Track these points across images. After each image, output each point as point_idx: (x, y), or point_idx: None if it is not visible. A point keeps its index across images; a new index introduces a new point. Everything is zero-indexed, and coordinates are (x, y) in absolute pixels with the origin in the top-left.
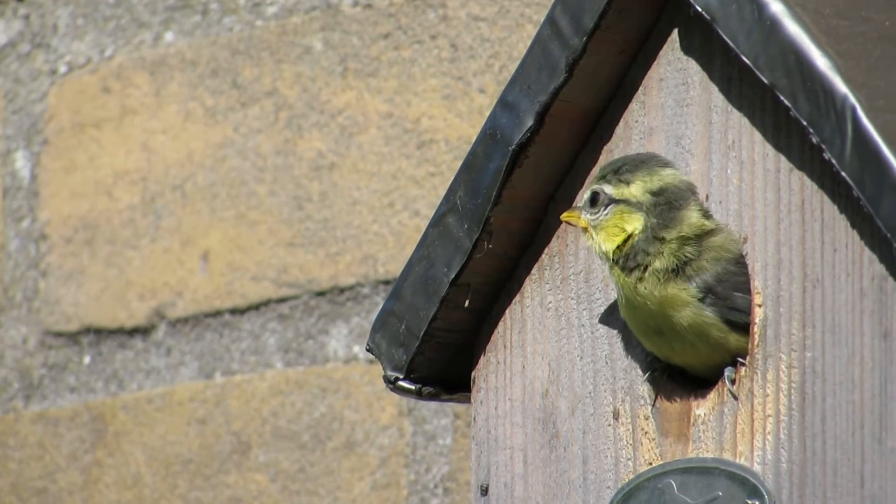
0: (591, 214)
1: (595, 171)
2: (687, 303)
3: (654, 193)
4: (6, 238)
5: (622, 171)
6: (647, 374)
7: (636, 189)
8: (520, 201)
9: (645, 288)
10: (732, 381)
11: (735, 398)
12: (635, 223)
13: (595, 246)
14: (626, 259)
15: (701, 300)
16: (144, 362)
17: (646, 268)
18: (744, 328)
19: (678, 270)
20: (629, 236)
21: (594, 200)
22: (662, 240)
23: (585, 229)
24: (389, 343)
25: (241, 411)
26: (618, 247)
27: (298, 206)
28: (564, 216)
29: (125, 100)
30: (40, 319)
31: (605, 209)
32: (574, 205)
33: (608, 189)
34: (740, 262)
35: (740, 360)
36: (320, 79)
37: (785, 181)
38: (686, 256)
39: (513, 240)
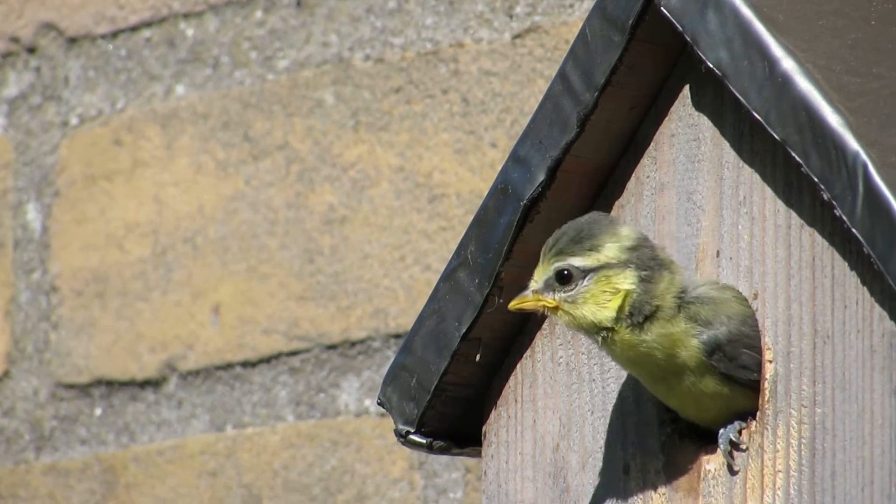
0: (563, 292)
1: (542, 250)
2: (692, 346)
3: (632, 249)
4: (17, 290)
5: (582, 241)
6: (663, 432)
7: (611, 251)
8: (531, 256)
9: (651, 333)
10: (731, 444)
11: (732, 460)
12: (628, 281)
13: (581, 320)
14: (632, 316)
15: (709, 355)
16: (156, 415)
17: (653, 316)
18: (749, 385)
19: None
20: (626, 294)
21: (565, 278)
22: (656, 289)
23: (556, 308)
24: (400, 397)
25: (252, 464)
26: (619, 308)
27: (309, 260)
28: (515, 305)
29: (136, 152)
30: (51, 371)
31: (582, 282)
32: (524, 292)
33: (577, 262)
34: (750, 321)
35: (741, 422)
36: (332, 132)
37: (796, 237)
38: (694, 312)
39: None
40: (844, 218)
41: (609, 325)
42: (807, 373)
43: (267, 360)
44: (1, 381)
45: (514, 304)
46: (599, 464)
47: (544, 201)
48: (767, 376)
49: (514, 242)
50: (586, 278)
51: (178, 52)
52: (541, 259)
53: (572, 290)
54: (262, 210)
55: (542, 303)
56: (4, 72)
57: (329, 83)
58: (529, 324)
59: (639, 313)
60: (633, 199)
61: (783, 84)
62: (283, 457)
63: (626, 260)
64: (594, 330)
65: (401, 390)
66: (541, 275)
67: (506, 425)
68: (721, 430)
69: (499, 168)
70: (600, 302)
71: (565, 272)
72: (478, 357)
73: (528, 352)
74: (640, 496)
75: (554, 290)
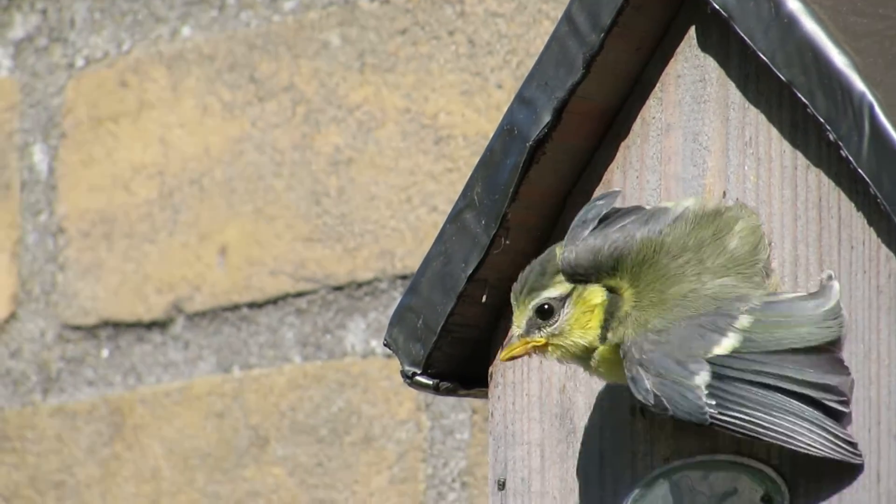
0: (548, 326)
1: (513, 299)
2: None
3: (588, 266)
4: (24, 232)
5: (546, 273)
6: None
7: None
8: (537, 197)
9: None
10: None
11: None
12: (599, 293)
13: (572, 348)
14: (607, 327)
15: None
16: (162, 356)
17: (626, 317)
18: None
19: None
20: (601, 306)
21: (546, 312)
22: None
23: (545, 345)
24: (407, 338)
25: (258, 405)
26: (601, 324)
27: (316, 202)
28: (505, 355)
29: (143, 94)
30: (58, 313)
31: (563, 310)
32: (507, 342)
33: (552, 293)
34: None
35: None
36: (338, 74)
37: (802, 178)
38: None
39: (530, 236)
40: (850, 158)
41: (598, 344)
42: None
43: (273, 302)
44: (8, 323)
45: (504, 356)
46: (606, 404)
47: (550, 142)
48: None
49: (520, 184)
50: (566, 305)
51: None
52: (514, 307)
53: (555, 321)
54: (269, 152)
55: (530, 344)
56: (10, 14)
57: (335, 24)
58: None
59: (615, 319)
60: (639, 140)
61: (789, 25)
62: (290, 398)
63: (587, 275)
64: (585, 355)
65: (407, 331)
66: (521, 319)
67: (512, 366)
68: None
69: (505, 109)
70: (583, 324)
71: (545, 306)
72: (484, 298)
73: None
74: (647, 436)
75: (539, 329)
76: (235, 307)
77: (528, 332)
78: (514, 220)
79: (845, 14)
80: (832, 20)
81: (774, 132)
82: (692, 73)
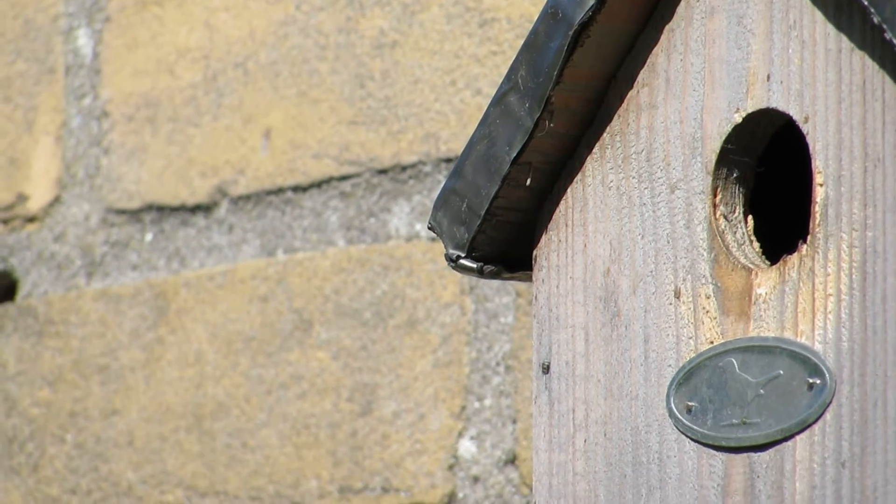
0: None
1: None
2: None
3: None
4: (68, 116)
5: None
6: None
7: None
8: (581, 80)
9: None
10: None
11: None
12: None
13: None
14: None
15: None
16: (206, 240)
17: None
18: None
19: None
20: None
21: None
22: None
23: None
24: (451, 221)
25: (302, 289)
26: None
27: (360, 85)
28: None
29: None
30: (102, 197)
31: None
32: None
33: None
34: None
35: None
36: None
37: (846, 61)
38: None
39: (574, 119)
40: (895, 41)
41: None
42: (857, 196)
43: (318, 185)
44: (52, 207)
45: None
46: (650, 288)
47: (594, 25)
48: (818, 200)
49: (564, 66)
50: None
51: None
52: None
53: None
54: (313, 35)
55: None
56: None
57: None
58: (580, 148)
59: None
60: (684, 23)
61: None
62: (334, 281)
63: None
64: None
65: (451, 215)
66: None
67: (556, 249)
68: None
69: None
70: None
71: None
72: (528, 181)
73: (579, 176)
74: (691, 320)
75: None
76: (279, 190)
77: None
78: (558, 103)
79: None
80: None
81: (819, 15)
82: None
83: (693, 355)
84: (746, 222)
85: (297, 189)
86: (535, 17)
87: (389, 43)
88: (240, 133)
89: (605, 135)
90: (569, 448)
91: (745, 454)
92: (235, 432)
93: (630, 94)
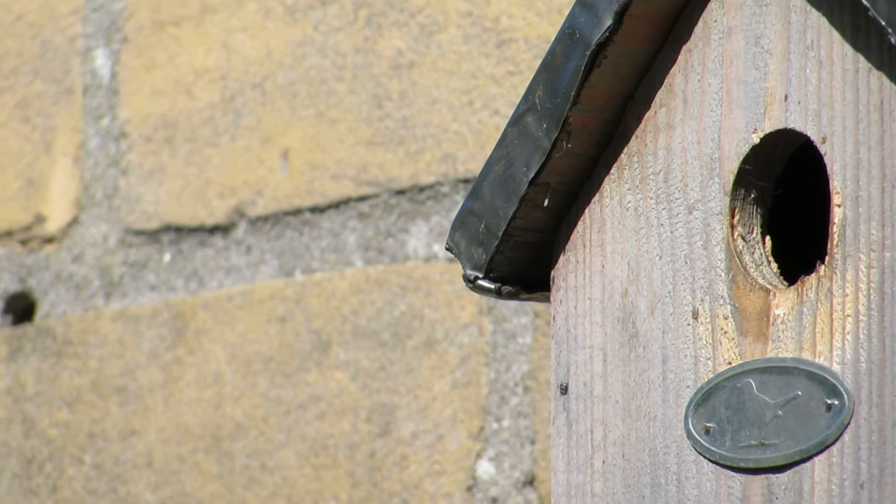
0: None
1: None
2: None
3: None
4: (86, 136)
5: None
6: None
7: None
8: (598, 101)
9: None
10: None
11: None
12: None
13: None
14: None
15: None
16: (224, 260)
17: None
18: None
19: None
20: None
21: None
22: None
23: None
24: (469, 242)
25: (321, 309)
26: None
27: (378, 105)
28: None
29: None
30: (121, 217)
31: None
32: None
33: None
34: None
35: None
36: None
37: (864, 81)
38: None
39: (592, 139)
40: None
41: None
42: (875, 217)
43: (336, 206)
44: (70, 228)
45: None
46: (668, 308)
47: (612, 46)
48: (836, 220)
49: (581, 87)
50: None
51: None
52: None
53: None
54: (331, 55)
55: None
56: None
57: None
58: (598, 168)
59: None
60: (701, 43)
61: None
62: (352, 302)
63: None
64: None
65: (469, 235)
66: None
67: (574, 270)
68: None
69: (566, 13)
70: None
71: None
72: (546, 202)
73: (597, 196)
74: (709, 341)
75: None
76: (297, 211)
77: None
78: (576, 124)
79: None
80: None
81: (836, 35)
82: None
83: (711, 376)
84: (764, 243)
85: (315, 210)
86: (553, 38)
87: (407, 63)
88: (258, 154)
89: (622, 155)
90: (587, 469)
91: (763, 475)
92: (254, 453)
93: (647, 114)
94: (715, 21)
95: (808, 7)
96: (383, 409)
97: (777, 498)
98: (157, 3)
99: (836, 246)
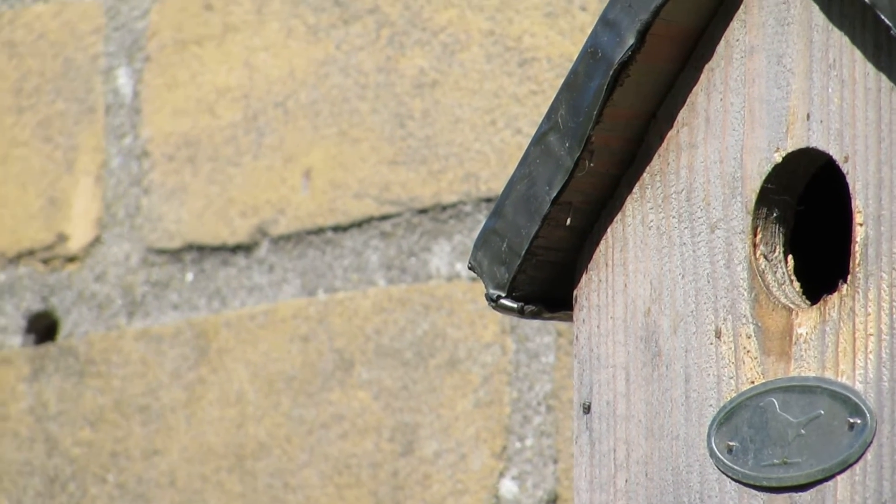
0: None
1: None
2: None
3: None
4: (108, 155)
5: None
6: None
7: None
8: (621, 120)
9: None
10: None
11: None
12: None
13: None
14: None
15: None
16: (247, 279)
17: None
18: None
19: None
20: None
21: None
22: None
23: None
24: (491, 261)
25: (343, 329)
26: None
27: (400, 124)
28: None
29: (227, 17)
30: (143, 236)
31: None
32: None
33: None
34: None
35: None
36: None
37: (886, 100)
38: None
39: (614, 158)
40: None
41: None
42: None
43: (358, 225)
44: (93, 247)
45: None
46: (691, 328)
47: (634, 65)
48: (858, 239)
49: (604, 106)
50: None
51: None
52: None
53: None
54: (353, 74)
55: None
56: None
57: None
58: (620, 187)
59: None
60: (723, 62)
61: None
62: (375, 321)
63: None
64: None
65: (491, 254)
66: None
67: (597, 289)
68: None
69: (588, 31)
70: None
71: None
72: (568, 221)
73: (619, 215)
74: (732, 360)
75: None
76: (320, 230)
77: None
78: (598, 143)
79: None
80: None
81: (858, 54)
82: None
83: (734, 395)
84: (787, 262)
85: (337, 229)
86: (575, 57)
87: (429, 82)
88: (280, 173)
89: (645, 174)
90: (610, 488)
91: (786, 494)
92: (277, 472)
93: (670, 133)
94: (737, 40)
95: (830, 26)
96: (406, 428)
97: None
98: (179, 22)
99: (859, 265)
